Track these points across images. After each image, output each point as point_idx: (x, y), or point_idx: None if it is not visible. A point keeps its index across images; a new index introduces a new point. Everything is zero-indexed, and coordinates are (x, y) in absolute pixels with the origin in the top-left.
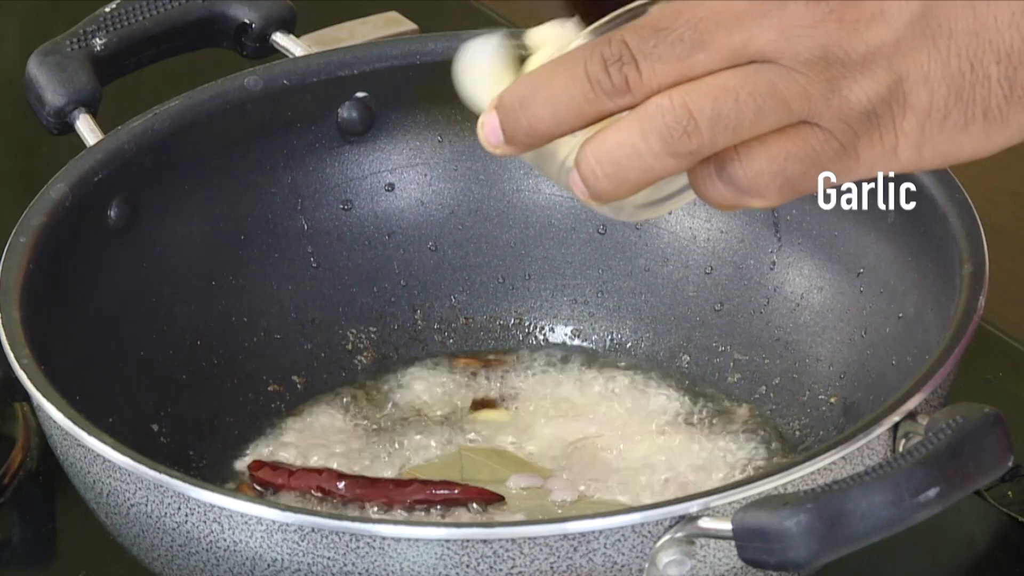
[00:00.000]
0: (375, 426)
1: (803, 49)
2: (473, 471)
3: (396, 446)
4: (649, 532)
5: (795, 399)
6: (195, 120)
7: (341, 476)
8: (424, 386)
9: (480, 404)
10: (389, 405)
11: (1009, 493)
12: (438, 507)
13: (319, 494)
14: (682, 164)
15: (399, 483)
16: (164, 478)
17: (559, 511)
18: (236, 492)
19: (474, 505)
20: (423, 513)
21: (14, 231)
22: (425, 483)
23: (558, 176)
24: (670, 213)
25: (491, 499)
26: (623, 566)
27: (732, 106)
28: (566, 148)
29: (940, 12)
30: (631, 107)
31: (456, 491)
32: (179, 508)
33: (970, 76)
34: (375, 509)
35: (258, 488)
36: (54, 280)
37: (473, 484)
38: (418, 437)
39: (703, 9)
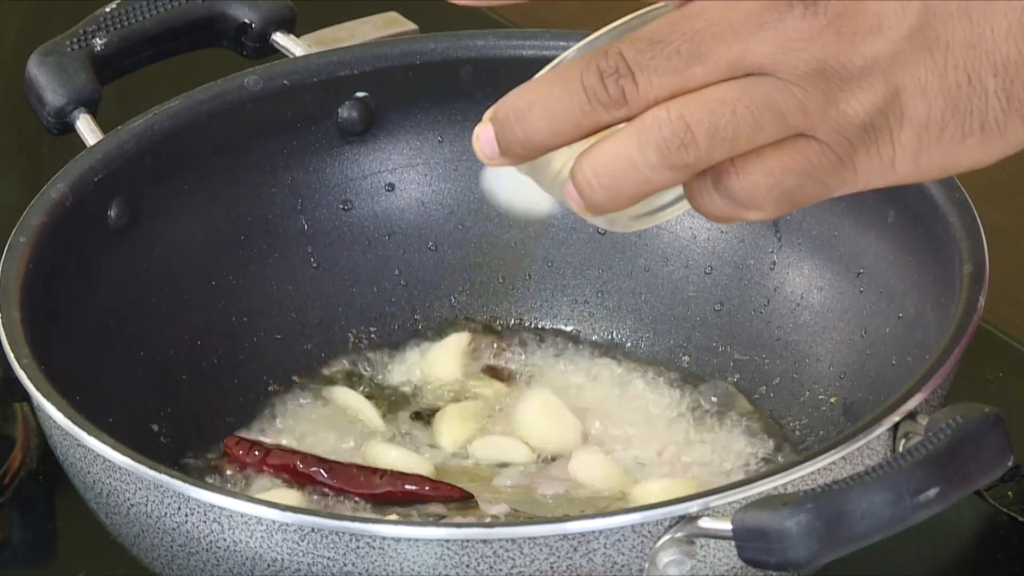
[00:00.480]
0: (373, 427)
1: (800, 62)
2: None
3: (396, 447)
4: (649, 532)
5: (795, 399)
6: (195, 120)
7: (301, 456)
8: (422, 386)
9: (491, 372)
10: (387, 405)
11: (1009, 493)
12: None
13: (285, 475)
14: (679, 177)
15: (371, 470)
16: (164, 478)
17: (550, 502)
18: (236, 492)
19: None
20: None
21: (14, 231)
22: (397, 475)
23: (552, 187)
24: None
25: (460, 497)
26: (623, 566)
27: (729, 119)
28: (561, 159)
29: (938, 24)
30: (628, 119)
31: (426, 488)
32: (179, 508)
33: (967, 88)
34: (342, 499)
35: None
36: (54, 280)
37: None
38: (417, 438)
39: (700, 22)
